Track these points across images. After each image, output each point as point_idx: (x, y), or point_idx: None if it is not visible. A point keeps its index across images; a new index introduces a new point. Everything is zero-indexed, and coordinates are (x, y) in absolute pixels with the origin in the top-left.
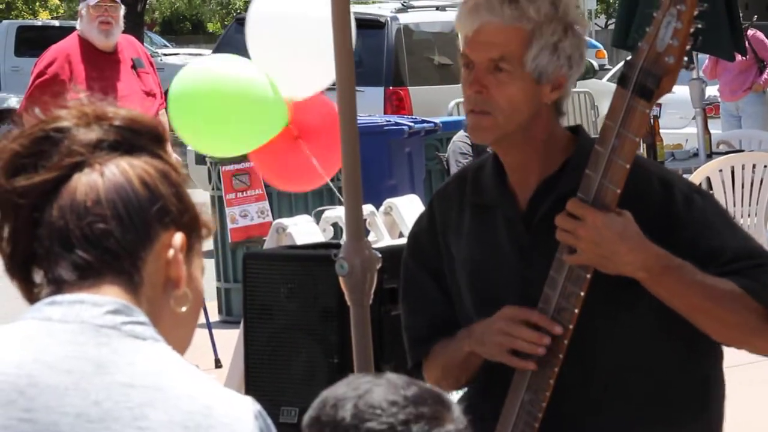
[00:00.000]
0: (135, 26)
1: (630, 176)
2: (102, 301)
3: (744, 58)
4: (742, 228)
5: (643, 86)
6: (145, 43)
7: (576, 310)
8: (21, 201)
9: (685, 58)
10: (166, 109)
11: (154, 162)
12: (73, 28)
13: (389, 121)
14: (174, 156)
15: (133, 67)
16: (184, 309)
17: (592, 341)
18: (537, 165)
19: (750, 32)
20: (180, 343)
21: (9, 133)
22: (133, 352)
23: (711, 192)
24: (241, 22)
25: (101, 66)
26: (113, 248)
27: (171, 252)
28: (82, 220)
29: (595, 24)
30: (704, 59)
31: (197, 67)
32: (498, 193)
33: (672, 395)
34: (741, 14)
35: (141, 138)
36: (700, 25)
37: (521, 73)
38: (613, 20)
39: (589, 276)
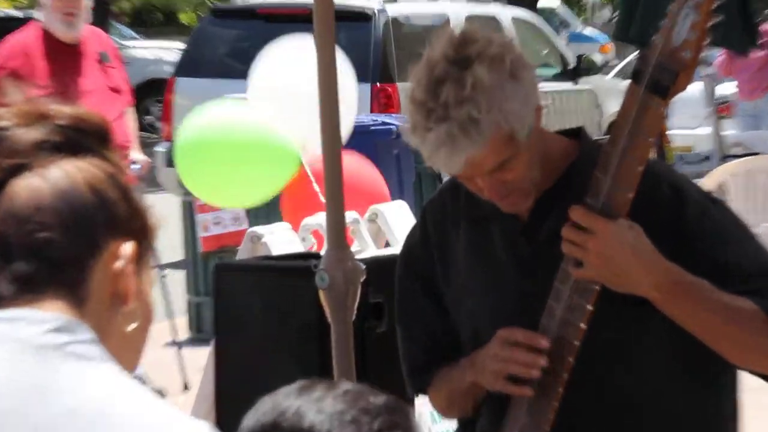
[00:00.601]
0: (101, 17)
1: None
2: (44, 318)
3: (763, 53)
4: (759, 240)
5: (657, 82)
6: (112, 36)
7: (582, 325)
8: None
9: (703, 54)
10: (134, 105)
11: (101, 164)
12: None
13: (376, 120)
14: (142, 156)
15: (99, 61)
16: (132, 327)
17: (602, 360)
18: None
19: (766, 26)
20: (128, 363)
21: None
22: (78, 374)
23: (725, 199)
24: (216, 14)
25: (63, 60)
26: (57, 259)
27: (120, 263)
28: (22, 228)
29: (610, 17)
30: (715, 54)
31: (208, 114)
32: (495, 205)
33: (686, 419)
34: (755, 7)
35: (87, 138)
36: (718, 18)
37: (522, 146)
38: (618, 13)
39: (597, 288)
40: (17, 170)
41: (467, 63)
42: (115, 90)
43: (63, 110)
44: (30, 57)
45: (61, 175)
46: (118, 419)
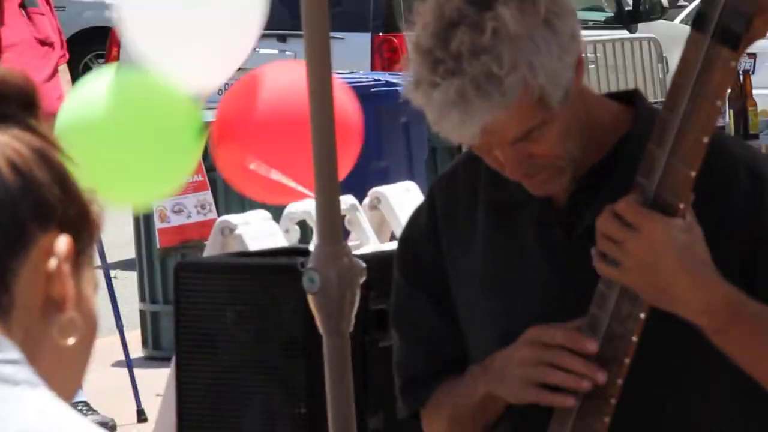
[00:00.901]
0: None
1: (707, 162)
2: None
3: None
4: None
5: (727, 29)
6: None
7: (634, 338)
8: None
9: None
10: (69, 61)
11: (26, 137)
12: None
13: (378, 80)
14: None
15: (22, 5)
16: (71, 341)
17: (658, 383)
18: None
19: None
20: (66, 387)
21: None
22: (1, 403)
23: None
24: None
25: None
26: None
27: (53, 261)
28: None
29: None
30: None
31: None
32: (525, 186)
33: None
34: None
35: (8, 104)
36: None
37: (555, 112)
38: None
39: (642, 316)
40: None
41: (489, 2)
42: (45, 42)
43: None
44: None
45: None
46: None
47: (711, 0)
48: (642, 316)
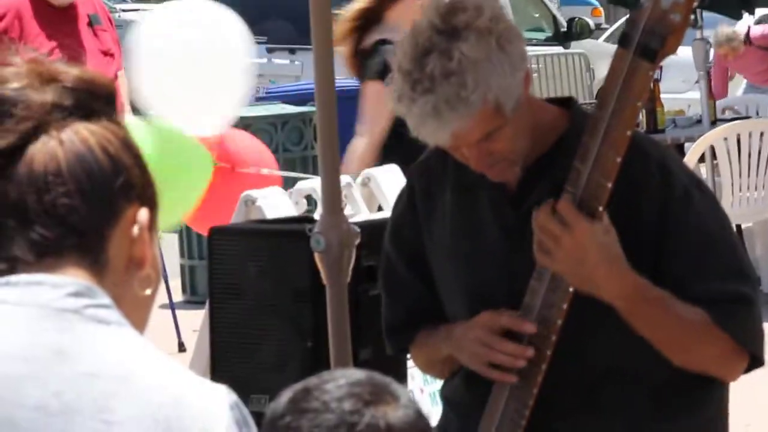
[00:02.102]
0: None
1: (626, 157)
2: (62, 282)
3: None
4: (734, 239)
5: (646, 46)
6: None
7: (564, 306)
8: None
9: (691, 16)
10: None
11: (113, 128)
12: None
13: None
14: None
15: (89, 24)
16: (148, 292)
17: (582, 338)
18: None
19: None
20: (138, 325)
21: None
22: (96, 337)
23: (714, 163)
24: None
25: (55, 23)
26: (77, 225)
27: (136, 229)
28: (42, 193)
29: None
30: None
31: None
32: (483, 173)
33: (669, 393)
34: None
35: (98, 101)
36: None
37: (508, 117)
38: None
39: (572, 290)
40: (33, 134)
41: (454, 34)
42: (107, 53)
43: (72, 72)
44: (21, 20)
45: (76, 140)
46: (139, 383)
47: (634, 22)
48: (570, 289)
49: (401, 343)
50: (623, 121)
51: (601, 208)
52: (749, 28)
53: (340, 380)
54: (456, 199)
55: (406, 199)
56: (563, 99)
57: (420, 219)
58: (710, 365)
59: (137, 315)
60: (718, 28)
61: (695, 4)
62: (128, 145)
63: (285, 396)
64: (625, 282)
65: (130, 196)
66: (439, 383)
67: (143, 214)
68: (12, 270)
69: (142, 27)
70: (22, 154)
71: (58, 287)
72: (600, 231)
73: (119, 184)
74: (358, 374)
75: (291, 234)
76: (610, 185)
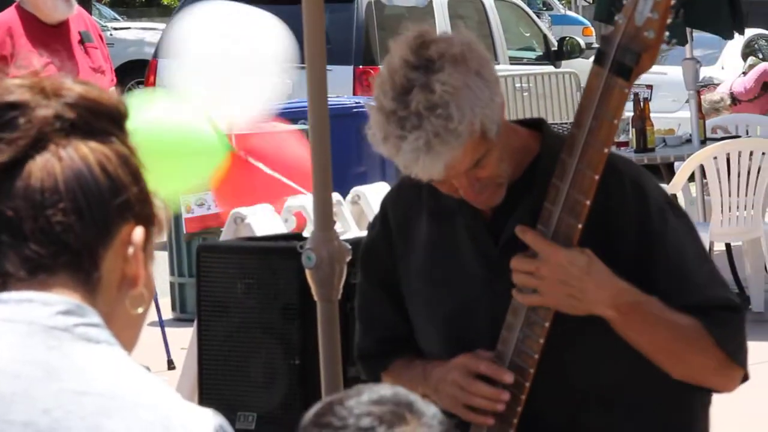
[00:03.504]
0: None
1: (602, 176)
2: (52, 301)
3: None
4: (707, 255)
5: (620, 64)
6: (93, 16)
7: (541, 340)
8: None
9: (667, 33)
10: (116, 86)
11: (113, 146)
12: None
13: (358, 102)
14: None
15: (81, 41)
16: (140, 310)
17: (564, 349)
18: None
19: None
20: (128, 344)
21: None
22: (85, 356)
23: (704, 182)
24: None
25: (47, 40)
26: (71, 243)
27: (131, 249)
28: (37, 210)
29: (584, 0)
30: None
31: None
32: (458, 198)
33: (651, 417)
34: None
35: (100, 118)
36: None
37: (493, 142)
38: None
39: (547, 325)
40: (33, 149)
41: (430, 66)
42: (98, 71)
43: (75, 88)
44: (12, 37)
45: (75, 156)
46: (128, 401)
47: (608, 41)
48: (546, 324)
49: (375, 370)
50: (600, 138)
51: (580, 226)
52: (731, 89)
53: (363, 396)
54: (432, 227)
55: (379, 227)
56: (533, 121)
57: (393, 246)
58: (709, 376)
59: (128, 333)
60: (703, 96)
61: (669, 20)
62: (128, 163)
63: (314, 408)
64: (615, 288)
65: (126, 216)
66: None
67: (138, 233)
68: (3, 286)
69: (192, 18)
70: (20, 169)
71: (48, 305)
72: (574, 252)
73: (116, 203)
74: (383, 390)
75: (279, 251)
76: (588, 202)
